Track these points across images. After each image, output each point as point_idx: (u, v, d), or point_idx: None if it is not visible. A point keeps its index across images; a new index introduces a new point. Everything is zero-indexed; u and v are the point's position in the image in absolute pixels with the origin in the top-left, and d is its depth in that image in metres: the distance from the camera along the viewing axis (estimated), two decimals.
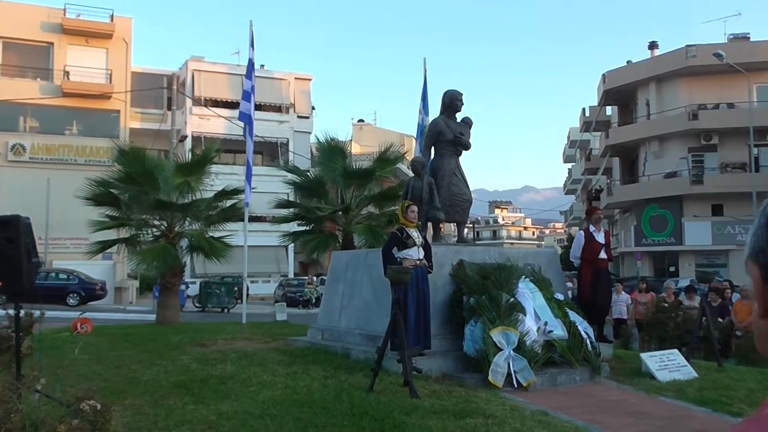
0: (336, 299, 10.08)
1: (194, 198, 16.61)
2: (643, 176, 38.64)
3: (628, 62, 41.14)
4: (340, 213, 16.79)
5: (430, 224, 9.64)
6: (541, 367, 7.68)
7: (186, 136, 38.08)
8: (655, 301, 13.86)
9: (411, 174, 9.86)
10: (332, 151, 16.78)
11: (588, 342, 8.24)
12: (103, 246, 17.00)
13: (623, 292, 15.00)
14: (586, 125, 49.80)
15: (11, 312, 6.13)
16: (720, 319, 12.22)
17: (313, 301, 31.11)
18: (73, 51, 37.18)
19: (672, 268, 35.72)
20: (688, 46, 35.45)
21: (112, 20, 37.94)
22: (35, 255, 5.97)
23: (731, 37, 37.28)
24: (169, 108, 40.24)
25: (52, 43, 36.91)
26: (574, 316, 8.53)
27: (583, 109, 50.65)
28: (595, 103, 46.34)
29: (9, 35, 35.94)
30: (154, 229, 16.77)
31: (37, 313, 6.96)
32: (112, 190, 16.42)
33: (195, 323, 16.32)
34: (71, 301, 27.71)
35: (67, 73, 36.84)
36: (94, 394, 4.14)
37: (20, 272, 5.69)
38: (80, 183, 16.82)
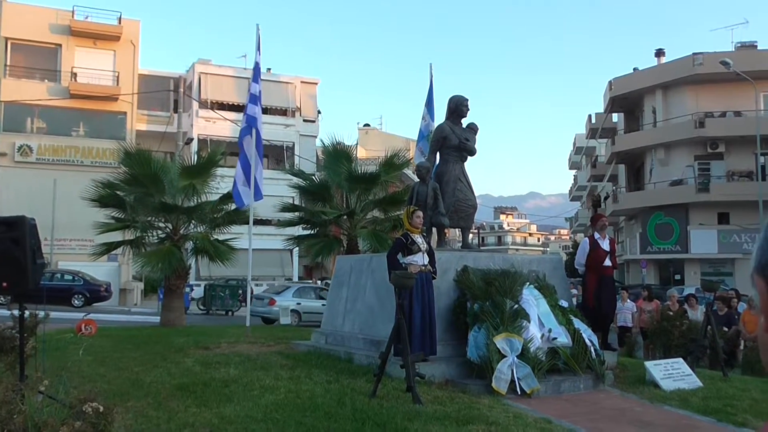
0: (340, 303, 10.07)
1: (199, 201, 16.62)
2: (648, 183, 38.56)
3: (634, 69, 41.11)
4: (345, 217, 16.79)
5: (434, 229, 9.64)
6: (545, 374, 7.65)
7: (192, 139, 38.09)
8: (660, 309, 13.82)
9: (416, 179, 9.86)
10: (338, 155, 16.79)
11: (592, 349, 8.21)
12: (109, 247, 17.03)
13: (628, 300, 14.94)
14: (592, 132, 49.75)
15: (16, 313, 6.15)
16: (726, 329, 12.15)
17: None
18: (81, 53, 37.33)
19: (677, 276, 35.62)
20: (694, 53, 35.40)
21: (119, 22, 38.08)
22: (40, 256, 5.98)
23: (738, 45, 37.23)
24: (176, 110, 40.31)
25: (60, 45, 37.07)
26: (578, 323, 8.50)
27: (590, 116, 50.63)
28: (602, 110, 46.31)
29: (17, 36, 36.08)
30: (159, 232, 16.79)
31: (41, 314, 6.99)
32: (117, 192, 16.45)
33: (199, 326, 16.33)
34: (76, 302, 27.72)
35: (74, 75, 36.99)
36: (97, 395, 4.14)
37: (25, 273, 5.69)
38: (86, 184, 16.85)
